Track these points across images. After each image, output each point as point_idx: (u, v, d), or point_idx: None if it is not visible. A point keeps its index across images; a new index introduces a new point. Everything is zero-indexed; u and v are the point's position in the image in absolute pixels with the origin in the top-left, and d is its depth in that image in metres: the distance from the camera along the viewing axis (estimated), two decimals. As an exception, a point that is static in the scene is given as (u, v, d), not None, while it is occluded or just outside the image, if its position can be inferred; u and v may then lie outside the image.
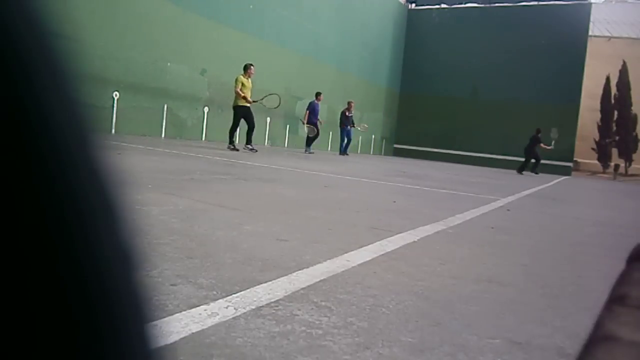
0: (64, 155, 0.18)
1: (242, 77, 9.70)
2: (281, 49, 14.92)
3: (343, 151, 14.72)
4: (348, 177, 6.33)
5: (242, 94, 9.57)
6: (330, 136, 18.40)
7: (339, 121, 15.18)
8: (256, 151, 9.51)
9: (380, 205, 3.97)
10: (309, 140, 13.43)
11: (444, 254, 2.28)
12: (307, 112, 13.62)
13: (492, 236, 2.94)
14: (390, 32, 22.71)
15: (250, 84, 9.77)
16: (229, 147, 9.48)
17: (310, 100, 13.93)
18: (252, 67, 9.88)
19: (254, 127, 9.82)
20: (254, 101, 9.75)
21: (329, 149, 18.46)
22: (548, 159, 20.52)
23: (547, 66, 20.83)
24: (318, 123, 13.41)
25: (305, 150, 13.28)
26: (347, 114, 14.81)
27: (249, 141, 9.75)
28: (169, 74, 11.22)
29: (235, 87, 9.67)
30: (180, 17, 11.35)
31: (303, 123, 13.59)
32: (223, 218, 2.54)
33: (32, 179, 0.17)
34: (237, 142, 9.75)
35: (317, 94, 13.82)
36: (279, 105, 10.27)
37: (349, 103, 14.97)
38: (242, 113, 9.67)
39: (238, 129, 9.77)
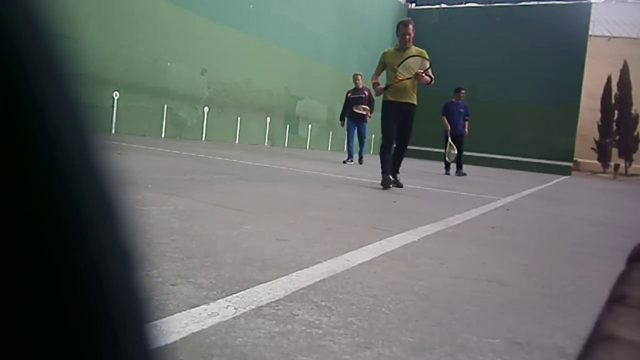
0: (63, 155, 0.18)
1: (389, 50, 5.56)
2: (281, 49, 14.91)
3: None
4: (348, 177, 6.33)
5: (375, 80, 5.49)
6: (330, 136, 18.40)
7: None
8: (401, 186, 5.52)
9: (380, 205, 3.97)
10: (456, 160, 9.92)
11: (444, 254, 2.28)
12: (444, 117, 10.05)
13: (492, 236, 2.94)
14: (390, 32, 22.66)
15: (405, 59, 5.24)
16: (388, 180, 5.24)
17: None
18: (405, 26, 5.37)
19: (401, 142, 5.51)
20: (385, 87, 5.30)
21: (329, 149, 18.46)
22: (548, 159, 20.56)
23: (547, 66, 20.81)
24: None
25: (451, 171, 9.97)
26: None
27: (394, 168, 5.51)
28: (169, 74, 11.21)
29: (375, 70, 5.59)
30: (180, 17, 11.34)
31: (451, 144, 9.89)
32: (223, 218, 2.54)
33: (31, 179, 0.17)
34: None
35: (455, 90, 10.13)
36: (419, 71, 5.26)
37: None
38: (388, 112, 5.35)
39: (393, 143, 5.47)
